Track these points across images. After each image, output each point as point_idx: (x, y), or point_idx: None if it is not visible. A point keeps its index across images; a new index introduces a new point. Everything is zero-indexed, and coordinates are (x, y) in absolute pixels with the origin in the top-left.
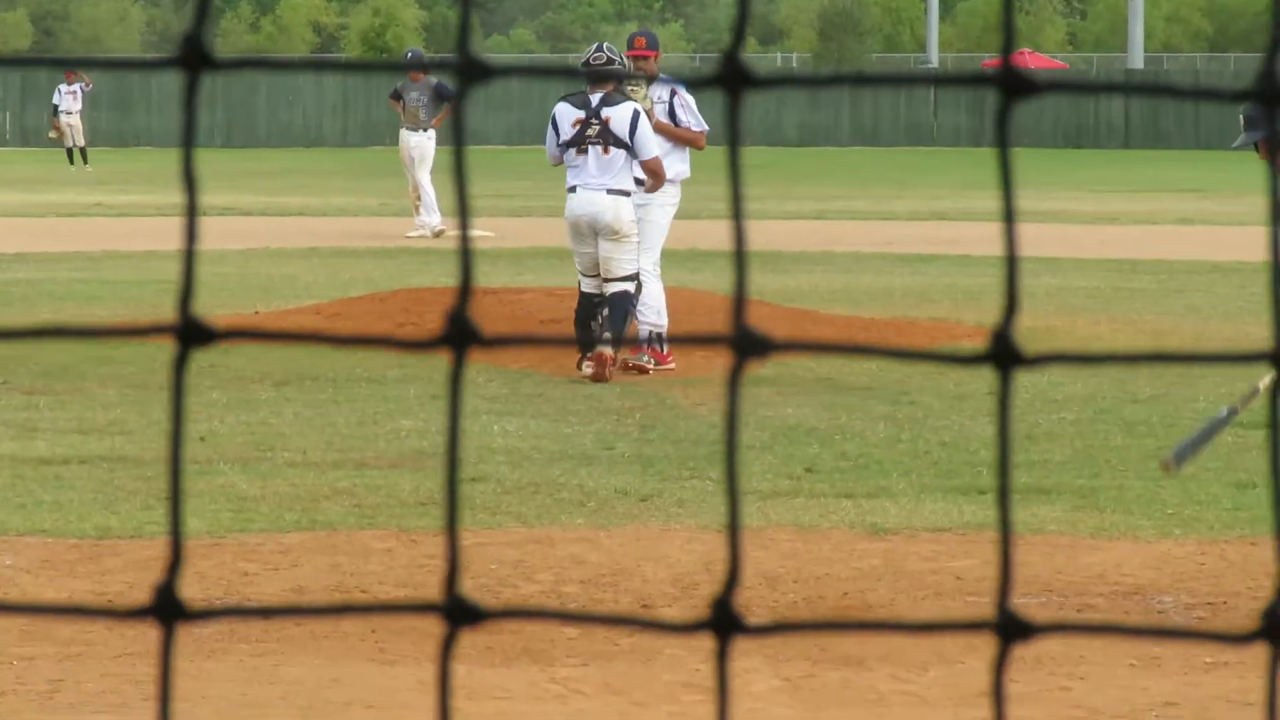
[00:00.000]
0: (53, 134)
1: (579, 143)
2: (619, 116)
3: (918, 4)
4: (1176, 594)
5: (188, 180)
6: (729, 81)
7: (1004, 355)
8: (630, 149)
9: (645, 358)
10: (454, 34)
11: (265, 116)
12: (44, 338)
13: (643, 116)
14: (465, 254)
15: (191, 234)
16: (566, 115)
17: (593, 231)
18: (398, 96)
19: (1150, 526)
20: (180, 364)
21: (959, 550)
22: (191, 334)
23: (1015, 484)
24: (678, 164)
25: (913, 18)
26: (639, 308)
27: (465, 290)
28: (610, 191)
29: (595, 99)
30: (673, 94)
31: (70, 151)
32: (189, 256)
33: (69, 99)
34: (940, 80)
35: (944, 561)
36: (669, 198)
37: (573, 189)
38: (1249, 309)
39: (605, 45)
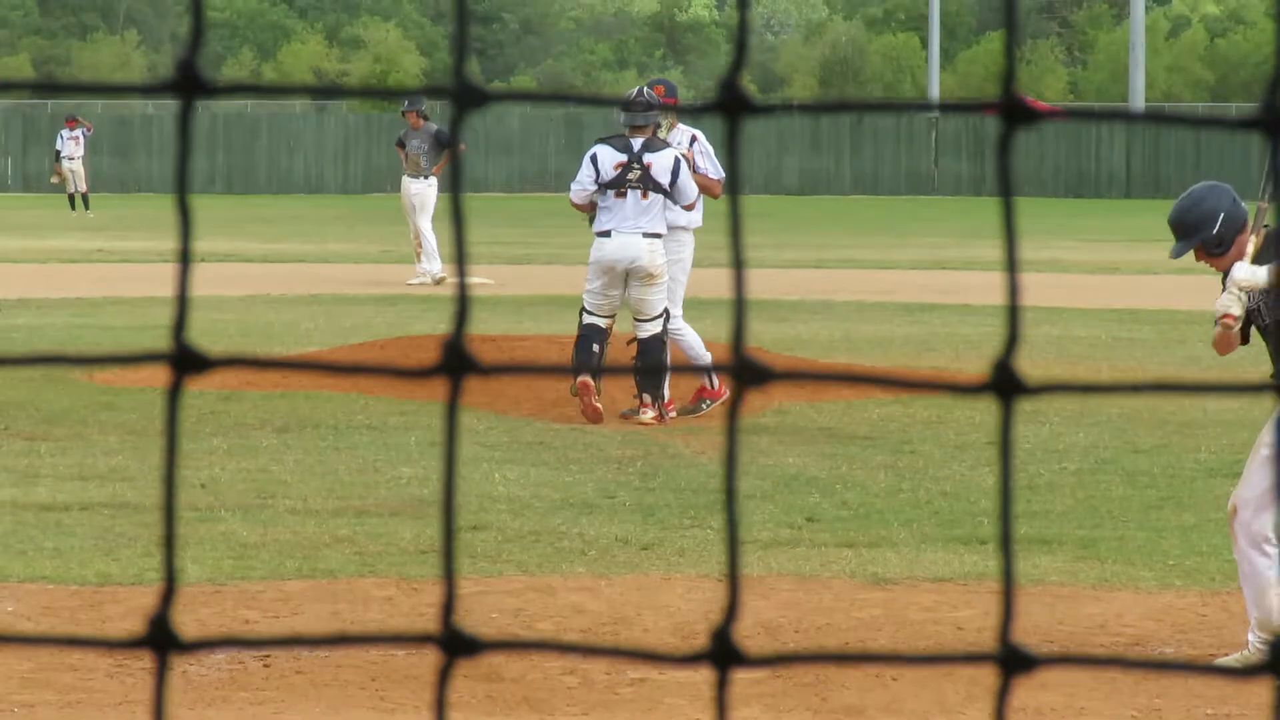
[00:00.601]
0: (55, 179)
1: (619, 185)
2: (661, 163)
3: (918, 52)
4: (1178, 645)
5: (181, 209)
6: (729, 107)
7: (1005, 385)
8: (670, 195)
9: (705, 402)
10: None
11: (266, 163)
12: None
13: (683, 164)
14: (462, 286)
15: (185, 258)
16: (609, 158)
17: (624, 275)
18: (401, 144)
19: (1151, 577)
20: (175, 392)
21: (960, 600)
22: (187, 362)
23: (1016, 534)
24: (692, 213)
25: (913, 66)
26: (693, 354)
27: (461, 320)
28: (646, 235)
29: (637, 144)
30: (692, 140)
31: (72, 197)
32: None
33: (71, 144)
34: (945, 107)
35: (945, 612)
36: (681, 249)
37: (606, 233)
38: (1248, 358)
39: (646, 89)
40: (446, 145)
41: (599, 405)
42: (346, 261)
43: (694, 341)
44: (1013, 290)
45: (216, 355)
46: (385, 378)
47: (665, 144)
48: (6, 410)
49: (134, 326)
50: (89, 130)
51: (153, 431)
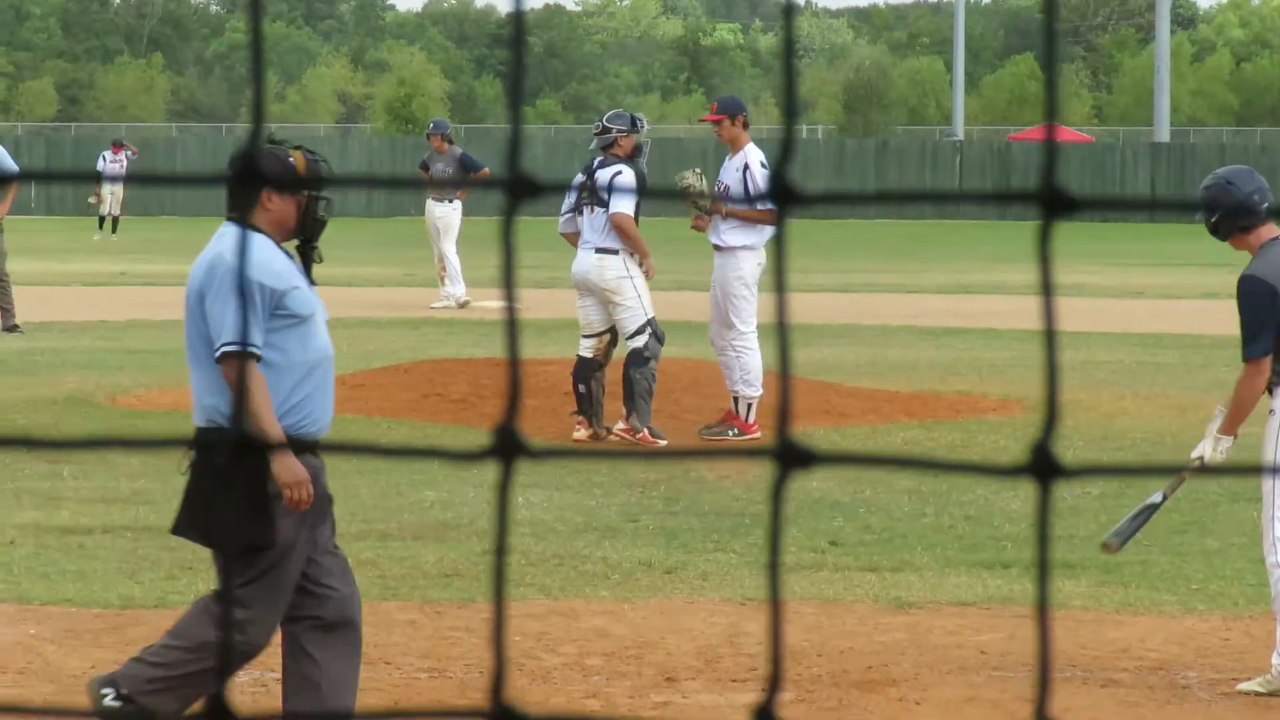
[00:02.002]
0: (92, 199)
1: (577, 204)
2: (602, 177)
3: (942, 76)
4: (1201, 669)
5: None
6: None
7: (1043, 468)
8: (606, 206)
9: (732, 430)
10: (479, 105)
11: None
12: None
13: (623, 174)
14: (513, 368)
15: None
16: (575, 181)
17: (589, 290)
18: (426, 168)
19: (1174, 601)
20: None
21: (983, 624)
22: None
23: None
24: (751, 234)
25: (937, 90)
26: (734, 378)
27: (514, 402)
28: (596, 250)
29: (595, 162)
30: (745, 168)
31: (103, 219)
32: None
33: (114, 167)
34: (986, 197)
35: (968, 636)
36: (739, 266)
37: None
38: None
39: (609, 116)
40: (472, 169)
41: (602, 434)
42: (370, 285)
43: (750, 366)
44: (1051, 374)
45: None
46: (410, 414)
47: (616, 160)
48: (29, 434)
49: (157, 350)
50: (133, 154)
51: (177, 455)
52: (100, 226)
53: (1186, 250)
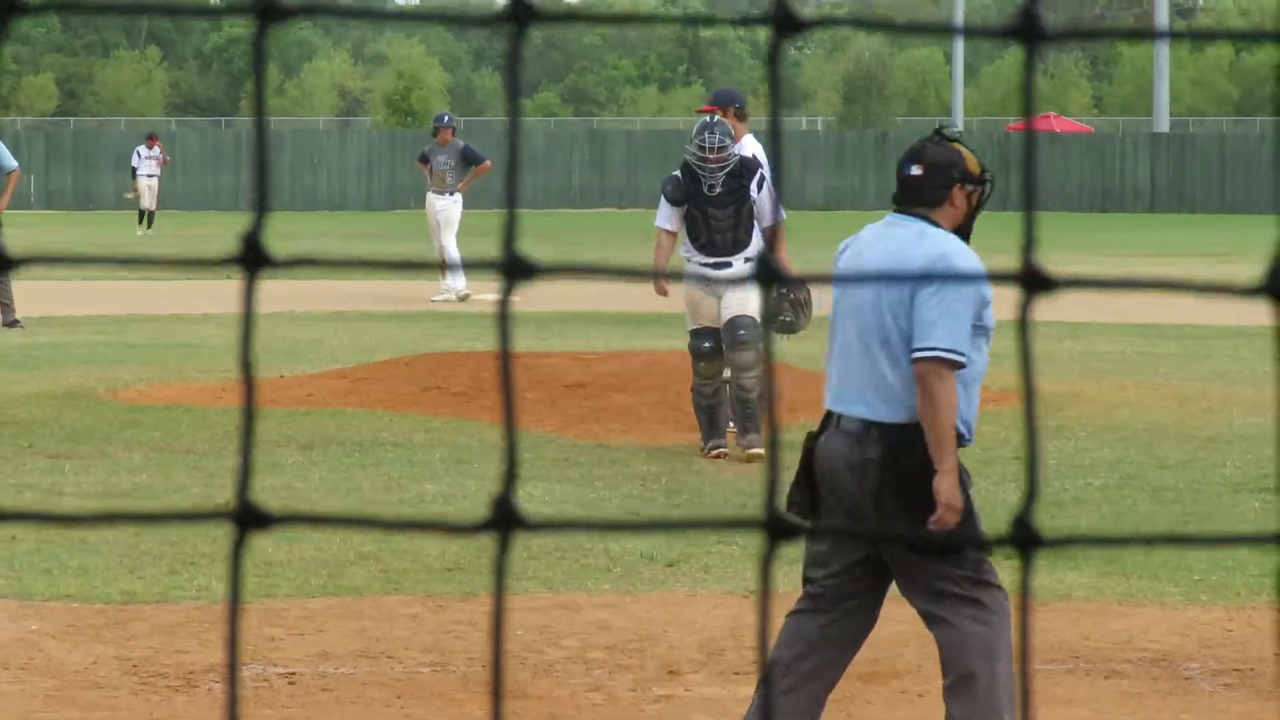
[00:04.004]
0: (130, 194)
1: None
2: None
3: (942, 67)
4: (1204, 660)
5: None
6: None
7: (1025, 539)
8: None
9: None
10: (478, 98)
11: (289, 180)
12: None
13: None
14: (511, 451)
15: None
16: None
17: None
18: (425, 160)
19: (1177, 592)
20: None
21: None
22: (249, 519)
23: (1042, 551)
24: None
25: (937, 81)
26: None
27: (510, 478)
28: None
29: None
30: (763, 179)
31: (142, 213)
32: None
33: (150, 163)
34: (966, 277)
35: None
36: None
37: None
38: (1265, 372)
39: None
40: (474, 162)
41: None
42: (370, 278)
43: None
44: (1032, 455)
45: (276, 514)
46: (411, 408)
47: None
48: (30, 428)
49: (157, 344)
50: (165, 161)
51: (177, 449)
52: (140, 221)
53: (1185, 240)
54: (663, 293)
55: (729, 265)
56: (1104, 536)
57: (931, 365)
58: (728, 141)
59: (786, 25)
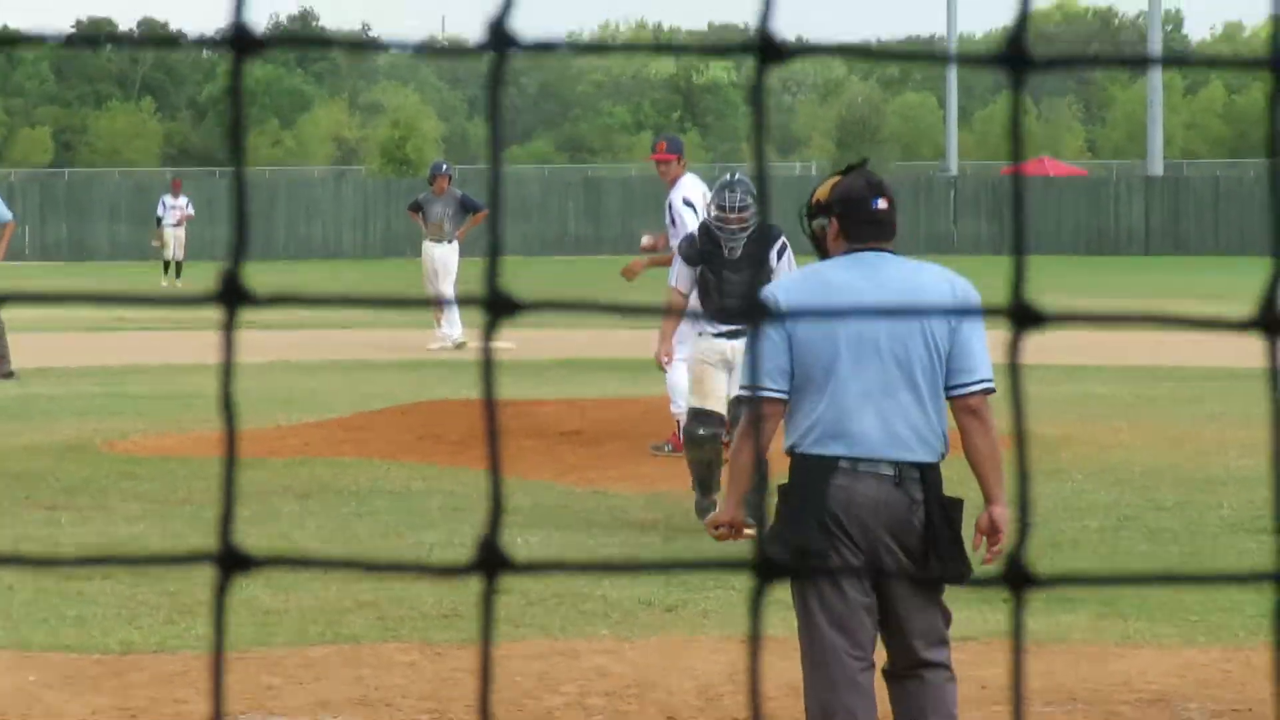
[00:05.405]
0: (155, 243)
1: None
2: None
3: (935, 111)
4: (1201, 700)
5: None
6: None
7: (1017, 578)
8: None
9: (667, 446)
10: (472, 146)
11: (284, 229)
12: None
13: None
14: (495, 483)
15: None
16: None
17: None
18: (418, 208)
19: (1174, 634)
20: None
21: (983, 659)
22: (232, 561)
23: (1038, 591)
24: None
25: (930, 125)
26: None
27: (497, 509)
28: None
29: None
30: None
31: (167, 264)
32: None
33: (174, 212)
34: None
35: (968, 670)
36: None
37: None
38: (1259, 414)
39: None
40: (471, 210)
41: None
42: (366, 327)
43: (670, 383)
44: (1024, 503)
45: (261, 555)
46: (408, 456)
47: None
48: (28, 480)
49: (154, 395)
50: (188, 214)
51: (173, 500)
52: (166, 271)
53: (1181, 282)
54: (665, 361)
55: (742, 335)
56: (1093, 576)
57: (985, 397)
58: (749, 201)
59: (771, 54)
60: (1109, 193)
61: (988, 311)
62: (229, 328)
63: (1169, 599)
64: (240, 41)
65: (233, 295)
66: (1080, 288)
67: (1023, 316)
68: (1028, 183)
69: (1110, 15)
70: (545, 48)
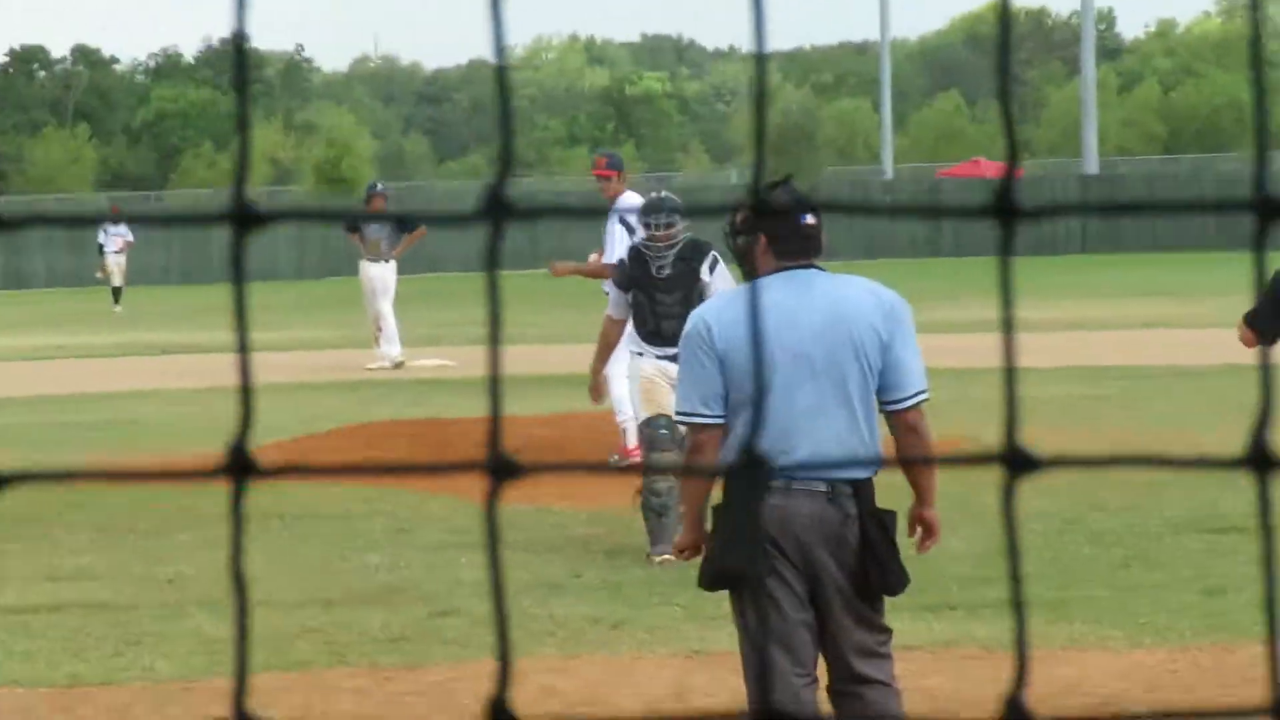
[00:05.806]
0: (99, 274)
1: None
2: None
3: (871, 116)
4: (1150, 704)
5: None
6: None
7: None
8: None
9: (613, 456)
10: (407, 164)
11: (219, 252)
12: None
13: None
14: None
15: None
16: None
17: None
18: (355, 228)
19: (1121, 636)
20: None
21: (930, 668)
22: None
23: (986, 599)
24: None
25: (866, 130)
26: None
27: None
28: None
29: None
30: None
31: (115, 291)
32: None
33: (115, 239)
34: (948, 460)
35: (915, 680)
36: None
37: None
38: (1207, 414)
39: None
40: (406, 230)
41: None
42: (304, 349)
43: (612, 394)
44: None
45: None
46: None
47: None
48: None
49: (98, 423)
50: (129, 243)
51: (120, 529)
52: (115, 299)
53: (1116, 281)
54: (598, 398)
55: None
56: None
57: (922, 409)
58: (675, 219)
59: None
60: (1045, 193)
61: (980, 459)
62: (237, 499)
63: (1115, 602)
64: (242, 216)
65: (240, 469)
66: (1021, 289)
67: (1016, 462)
68: (962, 184)
69: (1044, 15)
70: (539, 213)
